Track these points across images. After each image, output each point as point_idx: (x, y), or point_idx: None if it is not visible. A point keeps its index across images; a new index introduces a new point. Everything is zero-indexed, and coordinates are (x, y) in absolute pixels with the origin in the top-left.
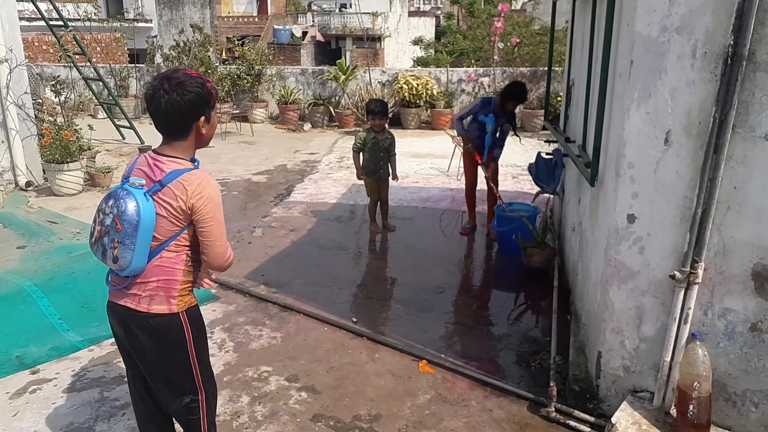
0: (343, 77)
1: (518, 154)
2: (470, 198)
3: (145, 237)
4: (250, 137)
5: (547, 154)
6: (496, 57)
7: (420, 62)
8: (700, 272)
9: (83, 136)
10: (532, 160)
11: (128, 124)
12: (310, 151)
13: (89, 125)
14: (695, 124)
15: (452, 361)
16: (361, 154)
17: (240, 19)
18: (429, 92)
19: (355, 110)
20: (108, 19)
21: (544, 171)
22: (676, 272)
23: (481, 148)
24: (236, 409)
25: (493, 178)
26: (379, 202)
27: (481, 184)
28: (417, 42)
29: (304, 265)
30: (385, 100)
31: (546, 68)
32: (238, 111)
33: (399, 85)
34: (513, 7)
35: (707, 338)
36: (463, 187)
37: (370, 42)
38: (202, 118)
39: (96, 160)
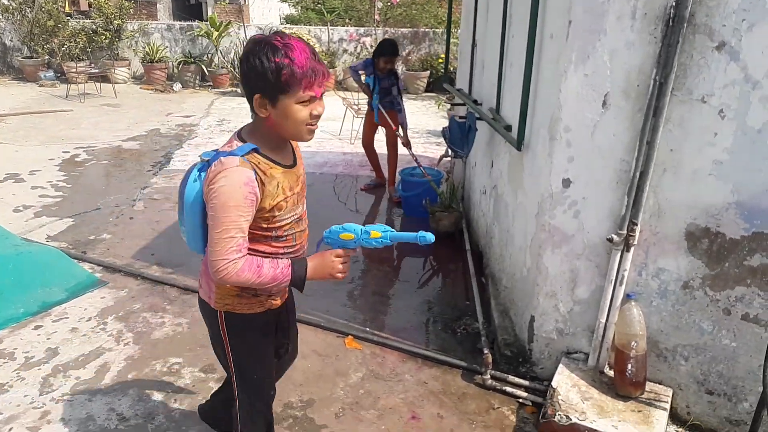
0: (216, 34)
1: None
2: (369, 153)
3: (190, 217)
4: (114, 99)
5: (460, 117)
6: (376, 17)
7: (290, 20)
8: (637, 235)
9: None
10: (430, 124)
11: None
12: (184, 114)
13: None
14: (634, 87)
15: (379, 334)
16: None
17: None
18: None
19: (231, 69)
20: None
21: (457, 135)
22: (613, 235)
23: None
24: (149, 410)
25: (393, 135)
26: None
27: (380, 148)
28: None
29: None
30: None
31: (427, 30)
32: (97, 70)
33: None
34: None
35: (641, 298)
36: (357, 151)
37: None
38: (257, 96)
39: None
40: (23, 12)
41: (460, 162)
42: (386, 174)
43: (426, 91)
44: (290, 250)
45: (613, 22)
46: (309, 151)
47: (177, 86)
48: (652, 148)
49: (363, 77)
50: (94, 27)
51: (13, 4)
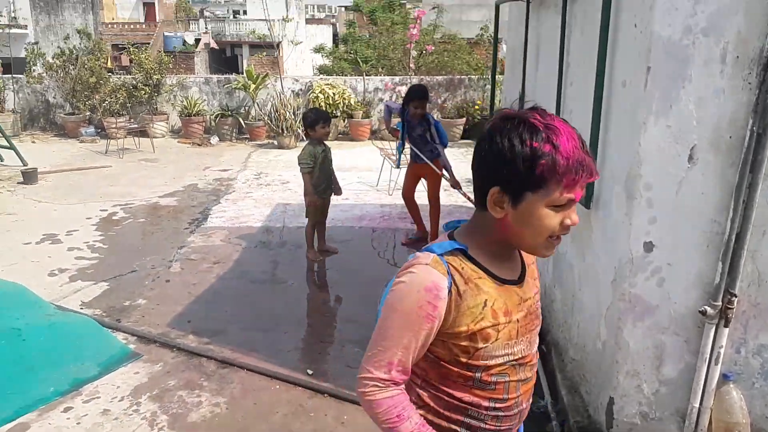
0: (253, 86)
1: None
2: (410, 205)
3: None
4: (152, 154)
5: None
6: (411, 65)
7: (323, 70)
8: (735, 306)
9: None
10: (470, 172)
11: (6, 144)
12: (221, 168)
13: None
14: (725, 139)
15: None
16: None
17: (126, 26)
18: (346, 102)
19: (269, 121)
20: None
21: None
22: (706, 307)
23: (421, 160)
24: None
25: (436, 187)
26: (316, 225)
27: (421, 199)
28: (319, 50)
29: (237, 305)
30: (300, 110)
31: (462, 77)
32: (136, 125)
33: (314, 95)
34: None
35: (740, 379)
36: (396, 203)
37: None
38: (495, 190)
39: None
40: (67, 69)
41: None
42: (428, 227)
43: (462, 138)
44: (499, 405)
45: (699, 67)
46: (347, 204)
47: (214, 139)
48: (749, 208)
49: (394, 121)
50: (134, 82)
51: (57, 62)
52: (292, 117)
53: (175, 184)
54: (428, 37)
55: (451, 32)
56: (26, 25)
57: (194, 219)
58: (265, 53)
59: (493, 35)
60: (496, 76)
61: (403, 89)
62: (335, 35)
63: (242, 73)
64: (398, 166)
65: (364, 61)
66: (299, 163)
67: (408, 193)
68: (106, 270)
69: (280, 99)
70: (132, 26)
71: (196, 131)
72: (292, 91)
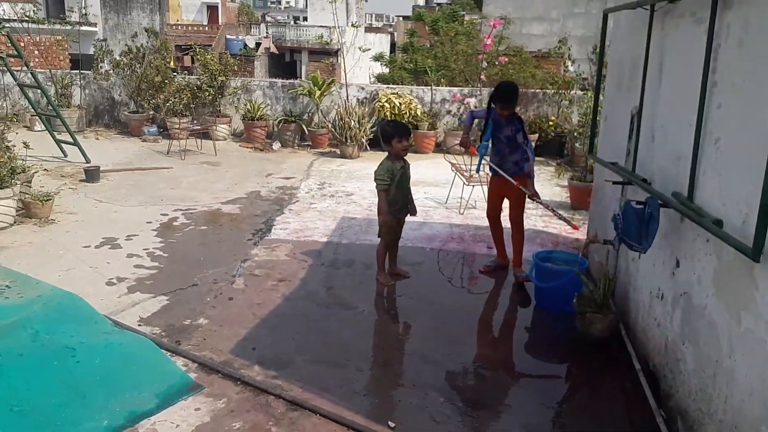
0: (318, 92)
1: None
2: (494, 227)
3: None
4: (213, 157)
5: (637, 203)
6: (482, 77)
7: (381, 79)
8: None
9: (17, 155)
10: (546, 194)
11: (71, 139)
12: (284, 175)
13: (24, 142)
14: None
15: None
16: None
17: (189, 28)
18: (412, 112)
19: (332, 129)
20: (48, 19)
21: (634, 224)
22: None
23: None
24: None
25: (519, 198)
26: (388, 246)
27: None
28: (378, 58)
29: (304, 332)
30: (365, 118)
31: (536, 90)
32: (199, 126)
33: (380, 104)
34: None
35: None
36: (468, 223)
37: (328, 56)
38: None
39: (32, 184)
40: (133, 67)
41: (605, 247)
42: (509, 252)
43: (535, 155)
44: None
45: None
46: (415, 222)
47: (276, 145)
48: None
49: (474, 125)
50: (198, 83)
51: (124, 60)
52: (357, 126)
53: (237, 190)
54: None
55: (517, 45)
56: (96, 23)
57: (257, 229)
58: (331, 60)
59: (598, 48)
60: (596, 93)
61: (472, 101)
62: (393, 44)
63: (301, 78)
64: (478, 170)
65: (433, 71)
66: (375, 179)
67: (493, 212)
68: (166, 282)
69: (345, 107)
70: (195, 28)
71: (259, 136)
72: (357, 99)
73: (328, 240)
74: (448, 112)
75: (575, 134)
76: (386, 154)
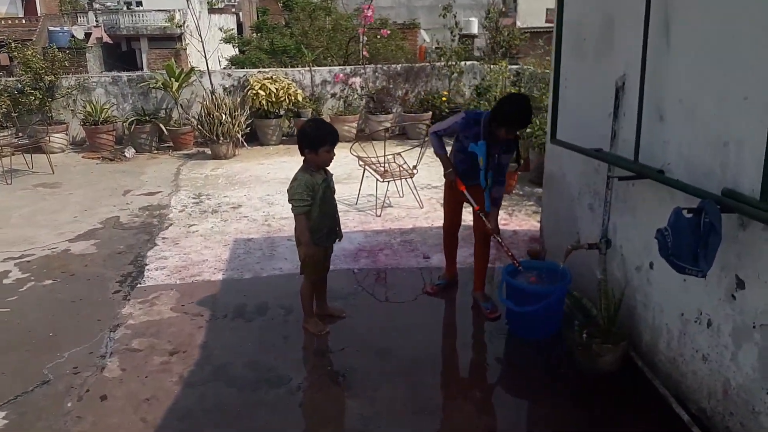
0: (175, 84)
1: (429, 172)
2: (448, 242)
3: None
4: (51, 176)
5: (689, 211)
6: (364, 53)
7: (235, 62)
8: None
9: None
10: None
11: None
12: (147, 190)
13: None
14: None
15: None
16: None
17: (2, 22)
18: (292, 98)
19: (198, 126)
20: None
21: (687, 239)
22: None
23: (466, 176)
24: None
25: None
26: (315, 283)
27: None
28: (229, 39)
29: None
30: (237, 110)
31: (424, 64)
32: (26, 140)
33: (253, 92)
34: None
35: None
36: (390, 226)
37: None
38: None
39: None
40: None
41: (592, 254)
42: (454, 268)
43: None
44: None
45: None
46: None
47: (130, 151)
48: None
49: (448, 147)
50: (20, 86)
51: None
52: (229, 120)
53: (89, 218)
54: (354, 22)
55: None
56: None
57: (125, 275)
58: (178, 46)
59: (556, 16)
60: (557, 63)
61: (357, 81)
62: (239, 25)
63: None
64: (489, 208)
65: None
66: (291, 199)
67: (452, 224)
68: None
69: (212, 98)
70: (9, 22)
71: (106, 142)
72: (224, 88)
73: (224, 276)
74: (333, 95)
75: (475, 108)
76: (297, 159)
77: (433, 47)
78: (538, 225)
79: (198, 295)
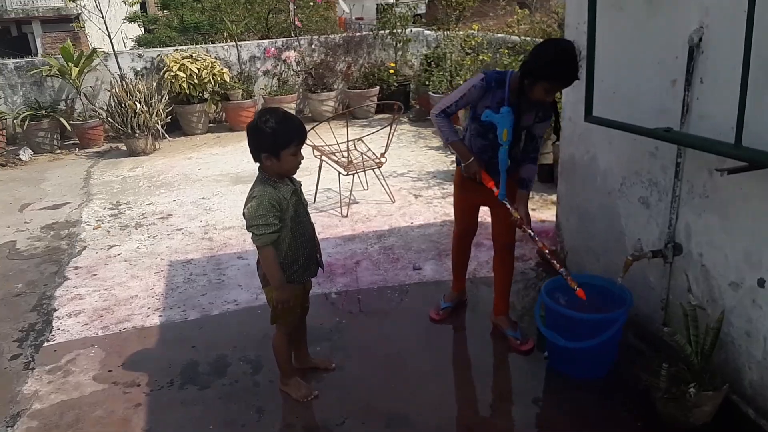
0: (75, 70)
1: (392, 152)
2: (460, 252)
3: None
4: None
5: None
6: (297, 23)
7: (143, 43)
8: None
9: None
10: (427, 164)
11: None
12: (50, 202)
13: None
14: None
15: None
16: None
17: None
18: (218, 78)
19: (108, 119)
20: None
21: None
22: None
23: (491, 168)
24: None
25: (512, 223)
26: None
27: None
28: (134, 18)
29: None
30: (154, 97)
31: (365, 33)
32: None
33: (171, 74)
34: None
35: None
36: (362, 229)
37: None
38: None
39: None
40: None
41: (659, 267)
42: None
43: (378, 112)
44: None
45: None
46: None
47: (26, 153)
48: None
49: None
50: None
51: None
52: (145, 109)
53: None
54: None
55: None
56: None
57: (26, 328)
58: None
59: None
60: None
61: (292, 55)
62: (143, 2)
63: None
64: (504, 197)
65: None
66: (250, 227)
67: (465, 231)
68: None
69: (122, 84)
70: None
71: None
72: (135, 72)
73: (162, 319)
74: (265, 72)
75: (425, 81)
76: (230, 150)
77: (353, 18)
78: (546, 218)
79: (129, 352)
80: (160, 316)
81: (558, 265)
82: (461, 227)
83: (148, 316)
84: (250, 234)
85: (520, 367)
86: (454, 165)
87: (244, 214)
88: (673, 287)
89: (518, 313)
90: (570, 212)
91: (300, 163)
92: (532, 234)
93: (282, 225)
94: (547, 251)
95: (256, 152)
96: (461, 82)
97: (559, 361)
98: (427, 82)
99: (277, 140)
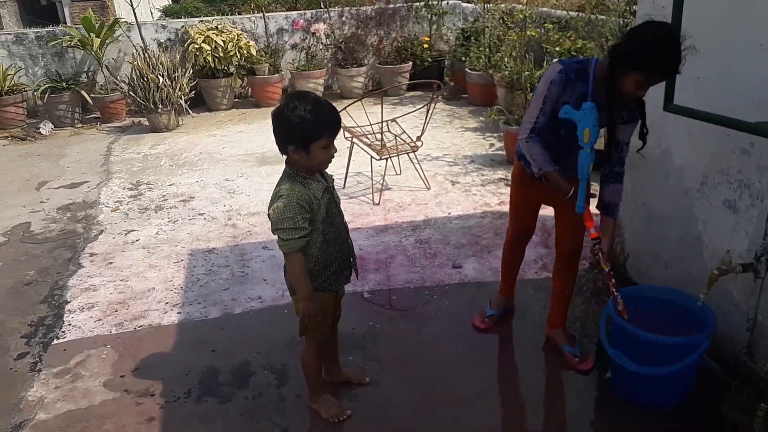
0: (97, 41)
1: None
2: (512, 256)
3: None
4: None
5: None
6: None
7: (169, 13)
8: None
9: None
10: (464, 147)
11: None
12: (68, 180)
13: None
14: None
15: None
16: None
17: None
18: (244, 52)
19: (130, 93)
20: None
21: None
22: None
23: (563, 171)
24: None
25: (578, 228)
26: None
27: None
28: None
29: None
30: (178, 71)
31: (397, 5)
32: None
33: (195, 46)
34: None
35: None
36: (396, 219)
37: None
38: None
39: None
40: None
41: (746, 282)
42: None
43: (410, 90)
44: None
45: None
46: None
47: (46, 127)
48: None
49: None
50: None
51: None
52: (168, 83)
53: None
54: None
55: None
56: None
57: (35, 322)
58: None
59: None
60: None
61: (321, 28)
62: None
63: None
64: (583, 209)
65: None
66: (276, 229)
67: (522, 234)
68: None
69: (144, 57)
70: None
71: (14, 118)
72: (159, 44)
73: (180, 317)
74: (292, 46)
75: (461, 57)
76: (256, 127)
77: None
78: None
79: (144, 354)
80: (179, 313)
81: (615, 290)
82: (517, 228)
83: (166, 312)
84: (276, 237)
85: (579, 389)
86: (493, 149)
87: (269, 215)
88: (763, 307)
89: (571, 322)
90: (634, 211)
91: (333, 157)
92: (608, 270)
93: (312, 228)
94: (615, 290)
95: (283, 144)
96: (502, 58)
97: (624, 384)
98: (463, 58)
99: (306, 131)
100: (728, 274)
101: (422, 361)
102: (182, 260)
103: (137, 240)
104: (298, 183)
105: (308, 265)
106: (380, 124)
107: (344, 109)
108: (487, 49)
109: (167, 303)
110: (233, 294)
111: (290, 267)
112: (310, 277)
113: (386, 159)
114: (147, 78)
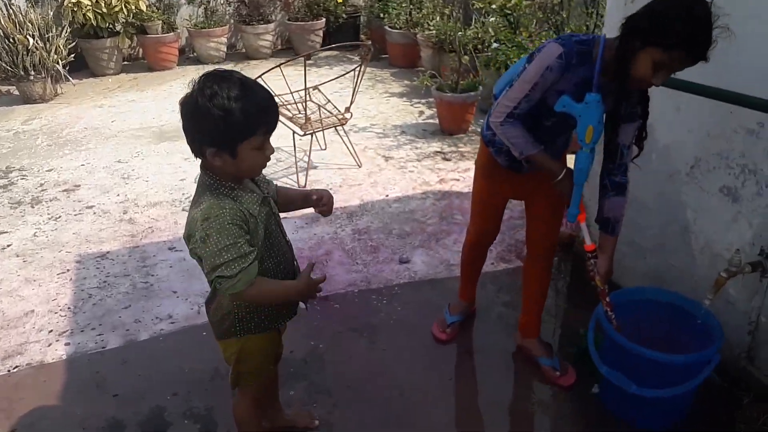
0: None
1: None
2: (474, 260)
3: None
4: None
5: None
6: None
7: None
8: None
9: None
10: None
11: None
12: None
13: None
14: None
15: None
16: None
17: None
18: (132, 7)
19: None
20: None
21: None
22: None
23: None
24: None
25: (557, 208)
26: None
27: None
28: None
29: None
30: (51, 30)
31: None
32: None
33: (70, 2)
34: None
35: None
36: (334, 206)
37: None
38: None
39: None
40: None
41: (748, 280)
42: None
43: (323, 46)
44: None
45: None
46: None
47: None
48: None
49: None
50: None
51: None
52: (41, 45)
53: None
54: None
55: None
56: None
57: None
58: None
59: None
60: None
61: None
62: None
63: None
64: (574, 218)
65: None
66: (215, 267)
67: (484, 235)
68: None
69: (9, 14)
70: None
71: None
72: (27, 0)
73: (69, 350)
74: (189, 0)
75: (379, 14)
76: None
77: None
78: None
79: (22, 409)
80: (67, 344)
81: (609, 309)
82: (479, 228)
83: (50, 344)
84: (216, 285)
85: (564, 408)
86: (423, 117)
87: (193, 251)
88: (767, 307)
89: (546, 327)
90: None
91: (269, 159)
92: (603, 288)
93: (254, 258)
94: (609, 310)
95: (197, 145)
96: (426, 15)
97: (614, 402)
98: (381, 15)
99: (231, 128)
100: (737, 275)
101: (379, 390)
102: (68, 270)
103: (8, 245)
104: (225, 197)
105: (242, 299)
106: (304, 94)
107: (260, 76)
108: (408, 4)
109: (51, 331)
110: (136, 313)
111: (260, 300)
112: (244, 315)
113: (311, 134)
114: (13, 39)
